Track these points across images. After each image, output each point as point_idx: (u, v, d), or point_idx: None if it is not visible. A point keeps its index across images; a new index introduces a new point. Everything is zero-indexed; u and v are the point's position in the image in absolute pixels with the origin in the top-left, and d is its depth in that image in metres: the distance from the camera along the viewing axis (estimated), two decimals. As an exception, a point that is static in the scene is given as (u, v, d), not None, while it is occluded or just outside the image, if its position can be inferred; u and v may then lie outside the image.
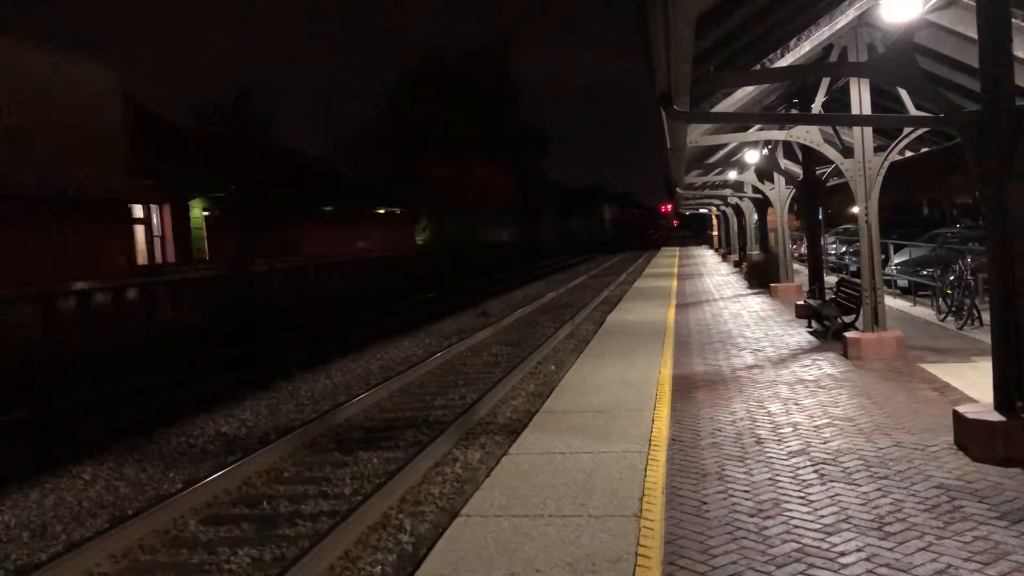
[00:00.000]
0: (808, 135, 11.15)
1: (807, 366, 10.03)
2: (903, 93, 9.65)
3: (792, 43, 9.66)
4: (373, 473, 8.21)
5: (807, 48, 9.89)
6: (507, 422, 9.94)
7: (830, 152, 10.96)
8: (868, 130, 10.26)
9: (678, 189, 25.19)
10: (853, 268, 20.35)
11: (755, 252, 25.64)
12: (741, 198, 26.63)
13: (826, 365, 9.99)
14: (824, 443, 6.57)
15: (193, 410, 11.71)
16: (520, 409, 10.59)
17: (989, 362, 6.19)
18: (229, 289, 25.28)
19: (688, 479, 5.88)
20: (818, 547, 4.54)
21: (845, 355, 10.33)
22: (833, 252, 25.67)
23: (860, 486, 5.49)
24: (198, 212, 30.57)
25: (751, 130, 13.53)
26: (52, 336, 18.20)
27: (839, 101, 12.53)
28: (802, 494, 5.41)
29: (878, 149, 10.69)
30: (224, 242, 30.33)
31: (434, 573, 4.55)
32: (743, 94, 10.88)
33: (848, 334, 10.46)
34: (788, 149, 17.25)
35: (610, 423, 7.60)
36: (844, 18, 9.65)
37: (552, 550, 4.72)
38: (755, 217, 26.41)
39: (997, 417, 5.91)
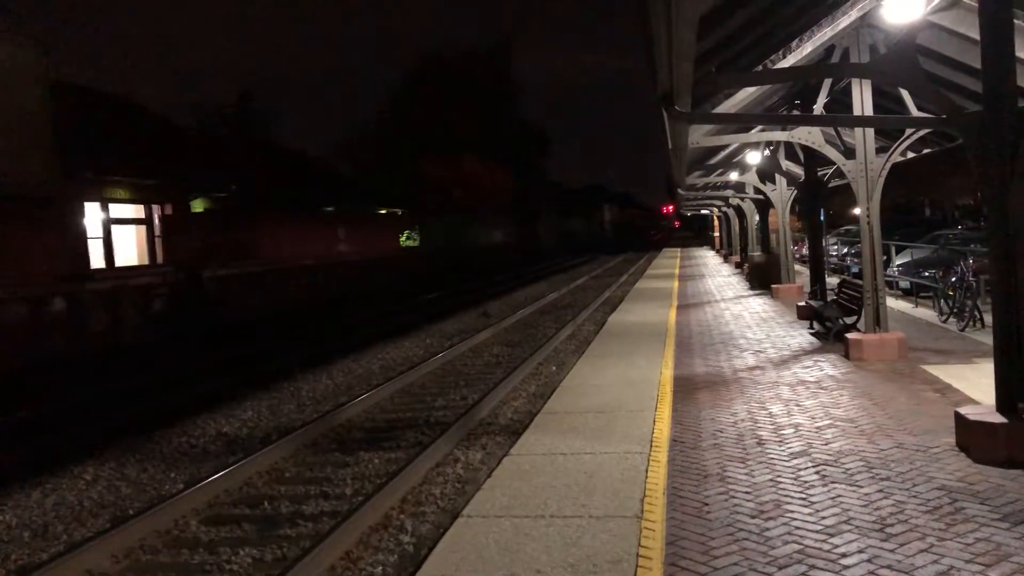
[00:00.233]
0: (810, 136, 11.15)
1: (808, 367, 10.02)
2: (905, 94, 9.64)
3: (794, 44, 9.67)
4: (374, 473, 8.21)
5: (809, 49, 9.91)
6: (508, 423, 9.94)
7: (832, 153, 10.95)
8: (870, 131, 10.25)
9: (680, 190, 25.19)
10: (855, 269, 20.36)
11: (756, 253, 25.58)
12: (743, 199, 26.56)
13: (828, 366, 9.98)
14: (825, 444, 6.57)
15: (194, 410, 11.72)
16: (521, 410, 10.59)
17: (991, 363, 6.19)
18: (175, 296, 22.19)
19: (689, 480, 5.88)
20: (819, 548, 4.54)
21: (847, 356, 10.32)
22: (835, 253, 25.63)
23: (862, 487, 5.49)
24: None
25: (753, 131, 13.51)
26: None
27: (841, 102, 12.52)
28: (803, 495, 5.41)
29: (880, 150, 10.67)
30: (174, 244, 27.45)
31: (435, 574, 4.55)
32: (745, 95, 10.89)
33: (850, 335, 10.45)
34: (790, 150, 17.22)
35: (611, 424, 7.60)
36: (846, 19, 9.66)
37: (553, 551, 4.72)
38: (756, 218, 26.36)
39: (999, 418, 5.90)
